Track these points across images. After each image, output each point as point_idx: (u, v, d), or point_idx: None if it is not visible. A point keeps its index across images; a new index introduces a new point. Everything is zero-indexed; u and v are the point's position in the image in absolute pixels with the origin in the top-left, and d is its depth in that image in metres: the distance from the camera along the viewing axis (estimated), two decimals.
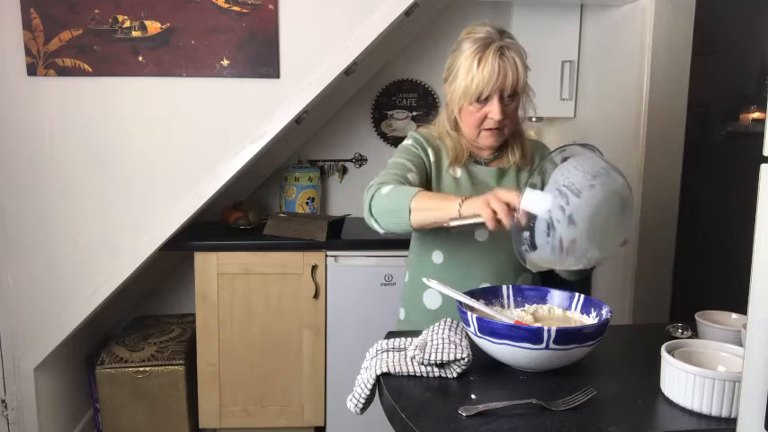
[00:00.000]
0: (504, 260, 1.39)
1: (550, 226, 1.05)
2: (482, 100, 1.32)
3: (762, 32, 2.52)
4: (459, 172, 1.42)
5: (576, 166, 1.08)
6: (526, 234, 1.09)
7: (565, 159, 1.12)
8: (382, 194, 1.26)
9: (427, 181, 1.41)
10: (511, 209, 1.07)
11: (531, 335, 1.01)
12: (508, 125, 1.37)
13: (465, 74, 1.30)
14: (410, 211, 1.20)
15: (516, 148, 1.44)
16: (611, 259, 1.14)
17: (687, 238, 2.57)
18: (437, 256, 1.42)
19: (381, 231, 1.29)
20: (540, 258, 1.11)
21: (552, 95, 2.70)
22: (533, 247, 1.09)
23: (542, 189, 1.07)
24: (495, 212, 1.07)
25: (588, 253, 1.08)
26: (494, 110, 1.31)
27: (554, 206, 1.04)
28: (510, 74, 1.29)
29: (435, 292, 1.42)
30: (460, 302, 1.16)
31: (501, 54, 1.29)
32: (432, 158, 1.42)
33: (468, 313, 1.07)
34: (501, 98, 1.31)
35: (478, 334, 1.07)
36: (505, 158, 1.45)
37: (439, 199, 1.22)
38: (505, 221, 1.07)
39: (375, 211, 1.27)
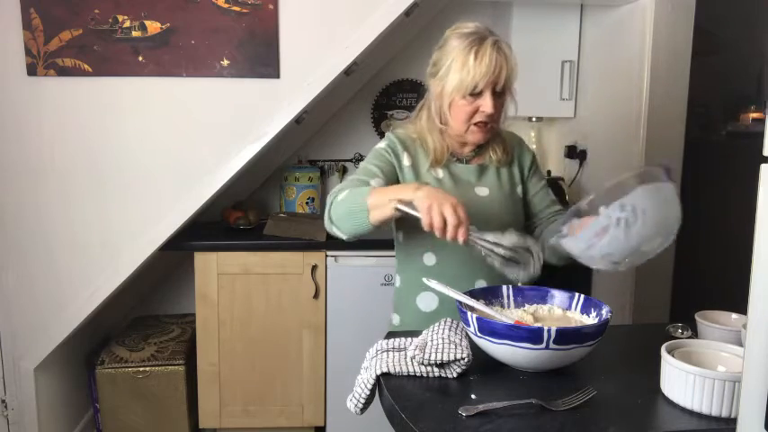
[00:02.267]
0: None
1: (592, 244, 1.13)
2: (475, 93, 1.32)
3: (762, 32, 2.52)
4: (440, 173, 1.42)
5: (644, 196, 1.11)
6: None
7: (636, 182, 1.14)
8: (339, 201, 1.27)
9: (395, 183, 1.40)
10: (445, 227, 1.12)
11: (531, 335, 1.01)
12: (496, 121, 1.38)
13: (460, 67, 1.30)
14: (368, 210, 1.20)
15: (497, 147, 1.45)
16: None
17: (687, 238, 2.57)
18: (429, 258, 1.41)
19: (344, 237, 1.29)
20: (569, 252, 1.19)
21: (552, 95, 2.70)
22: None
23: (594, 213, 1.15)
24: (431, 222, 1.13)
25: (617, 266, 1.15)
26: (486, 103, 1.32)
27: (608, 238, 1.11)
28: (504, 68, 1.31)
29: (430, 295, 1.41)
30: (460, 302, 1.16)
31: (498, 48, 1.31)
32: (406, 163, 1.41)
33: (468, 313, 1.07)
34: (493, 92, 1.32)
35: (478, 334, 1.07)
36: (486, 156, 1.46)
37: (394, 191, 1.21)
38: (438, 235, 1.13)
39: (335, 218, 1.28)
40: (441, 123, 1.40)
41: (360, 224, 1.23)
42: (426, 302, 1.42)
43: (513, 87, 1.38)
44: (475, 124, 1.36)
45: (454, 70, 1.31)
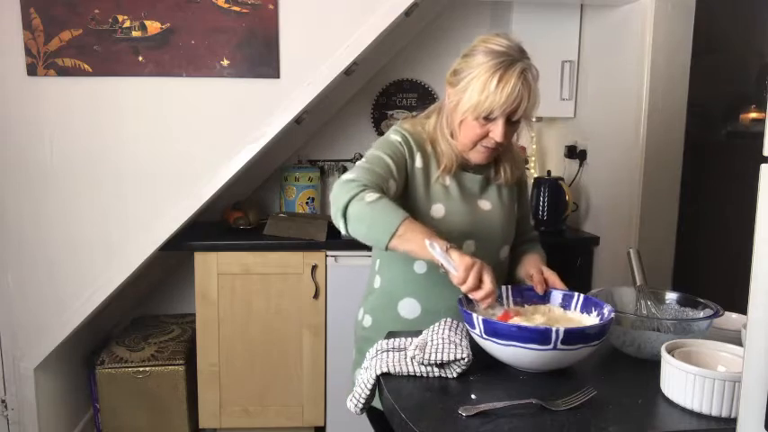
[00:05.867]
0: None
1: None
2: (488, 118, 1.26)
3: (762, 32, 2.52)
4: (448, 180, 1.37)
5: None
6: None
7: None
8: (366, 202, 1.17)
9: (404, 186, 1.34)
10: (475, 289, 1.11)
11: (539, 336, 1.00)
12: (503, 146, 1.33)
13: (480, 88, 1.23)
14: (394, 235, 1.14)
15: (507, 166, 1.41)
16: None
17: (687, 239, 2.56)
18: (420, 266, 1.36)
19: (344, 233, 1.21)
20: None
21: (552, 95, 2.70)
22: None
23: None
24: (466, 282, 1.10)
25: None
26: (497, 131, 1.26)
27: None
28: (525, 99, 1.24)
29: (413, 302, 1.37)
30: (462, 303, 1.16)
31: (524, 78, 1.23)
32: (419, 164, 1.35)
33: (474, 315, 1.06)
34: (507, 120, 1.27)
35: (484, 336, 1.06)
36: (492, 170, 1.42)
37: (418, 234, 1.14)
38: (465, 291, 1.11)
39: (351, 213, 1.18)
40: (449, 135, 1.35)
41: (376, 240, 1.16)
42: (409, 309, 1.38)
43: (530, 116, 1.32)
44: (482, 147, 1.31)
45: (473, 89, 1.24)
